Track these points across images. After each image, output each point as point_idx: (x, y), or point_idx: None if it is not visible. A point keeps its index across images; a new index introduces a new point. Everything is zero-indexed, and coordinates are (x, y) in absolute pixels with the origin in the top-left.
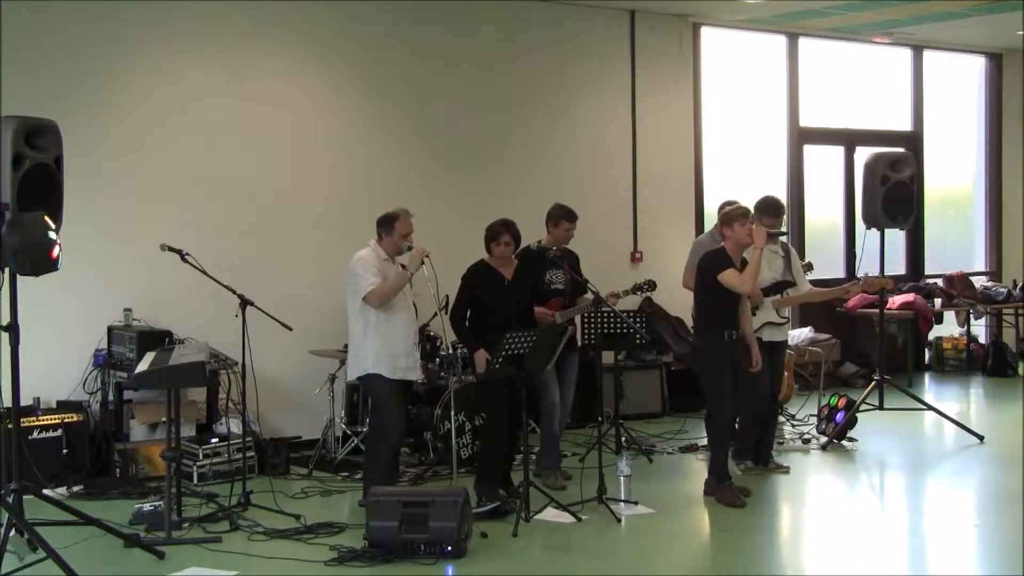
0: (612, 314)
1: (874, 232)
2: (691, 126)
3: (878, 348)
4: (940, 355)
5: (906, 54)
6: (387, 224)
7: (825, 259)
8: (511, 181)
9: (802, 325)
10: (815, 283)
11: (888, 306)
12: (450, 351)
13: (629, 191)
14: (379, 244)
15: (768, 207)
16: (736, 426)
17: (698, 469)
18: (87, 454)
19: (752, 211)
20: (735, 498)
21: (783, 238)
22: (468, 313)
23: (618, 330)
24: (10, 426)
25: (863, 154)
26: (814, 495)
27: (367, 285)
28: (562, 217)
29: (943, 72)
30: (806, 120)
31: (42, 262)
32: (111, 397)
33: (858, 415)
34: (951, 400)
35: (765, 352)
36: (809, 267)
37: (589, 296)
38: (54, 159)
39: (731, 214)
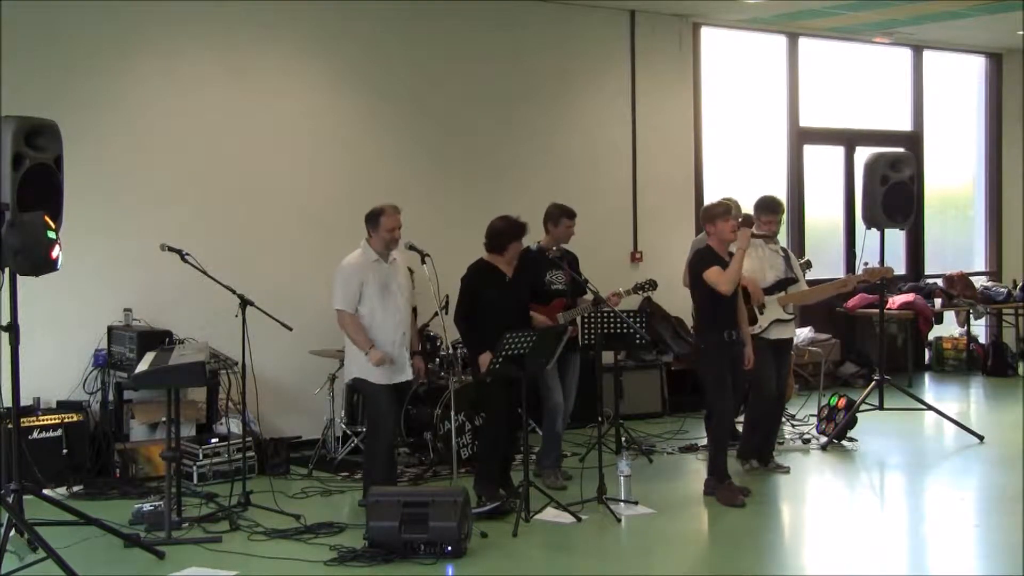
0: (612, 314)
1: (874, 232)
2: (691, 126)
3: (878, 348)
4: (940, 355)
5: (906, 54)
6: (373, 220)
7: (825, 259)
8: (511, 181)
9: (802, 325)
10: (814, 283)
11: (888, 306)
12: (450, 351)
13: (629, 191)
14: (369, 243)
15: (764, 205)
16: (740, 426)
17: (698, 469)
18: (87, 454)
19: (733, 207)
20: (735, 498)
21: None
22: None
23: (618, 330)
24: (10, 426)
25: (863, 154)
26: (814, 495)
27: (337, 303)
28: (562, 215)
29: (943, 72)
30: (806, 120)
31: (42, 262)
32: (111, 397)
33: (858, 415)
34: (951, 400)
35: (771, 351)
36: (808, 265)
37: (589, 297)
38: (54, 159)
39: (713, 211)
